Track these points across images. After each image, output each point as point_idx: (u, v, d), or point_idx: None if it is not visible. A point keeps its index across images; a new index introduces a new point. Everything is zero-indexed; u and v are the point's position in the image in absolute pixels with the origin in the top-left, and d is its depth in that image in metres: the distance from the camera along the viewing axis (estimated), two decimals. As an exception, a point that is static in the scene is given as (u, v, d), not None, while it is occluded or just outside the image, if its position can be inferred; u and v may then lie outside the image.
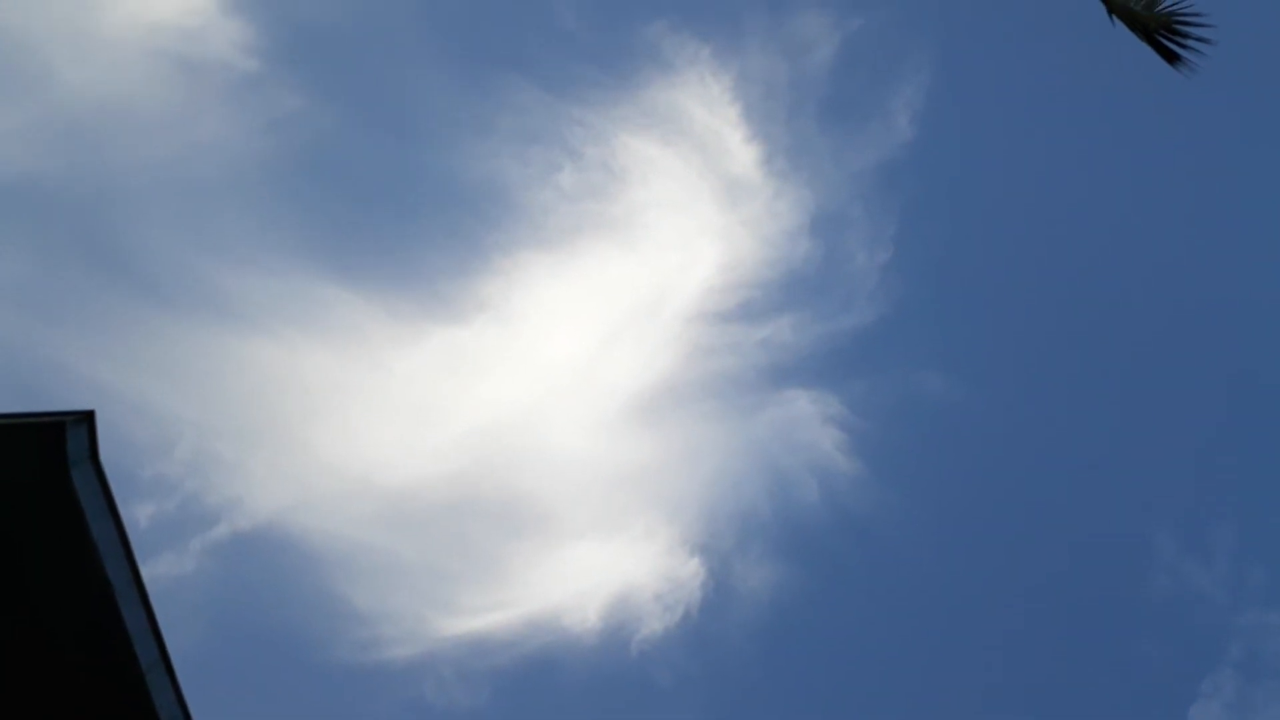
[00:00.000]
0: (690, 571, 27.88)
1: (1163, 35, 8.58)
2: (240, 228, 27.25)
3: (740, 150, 28.37)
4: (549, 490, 29.27)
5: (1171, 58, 8.66)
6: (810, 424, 29.11)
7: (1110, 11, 8.61)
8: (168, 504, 25.48)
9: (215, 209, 27.11)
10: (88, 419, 6.46)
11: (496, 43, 29.75)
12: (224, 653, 24.95)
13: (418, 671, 26.49)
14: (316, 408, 28.03)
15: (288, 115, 27.14)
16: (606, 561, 28.53)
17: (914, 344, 30.20)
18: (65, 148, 25.68)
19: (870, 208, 28.96)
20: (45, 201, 25.53)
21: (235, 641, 25.92)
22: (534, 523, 28.94)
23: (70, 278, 25.78)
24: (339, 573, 26.71)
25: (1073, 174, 29.97)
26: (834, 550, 29.23)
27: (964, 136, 30.29)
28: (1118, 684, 27.56)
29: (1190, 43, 8.57)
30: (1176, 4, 8.50)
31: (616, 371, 29.16)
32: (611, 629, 27.34)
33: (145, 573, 6.85)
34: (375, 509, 27.54)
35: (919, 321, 30.32)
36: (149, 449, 25.21)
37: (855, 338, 29.14)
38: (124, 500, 6.73)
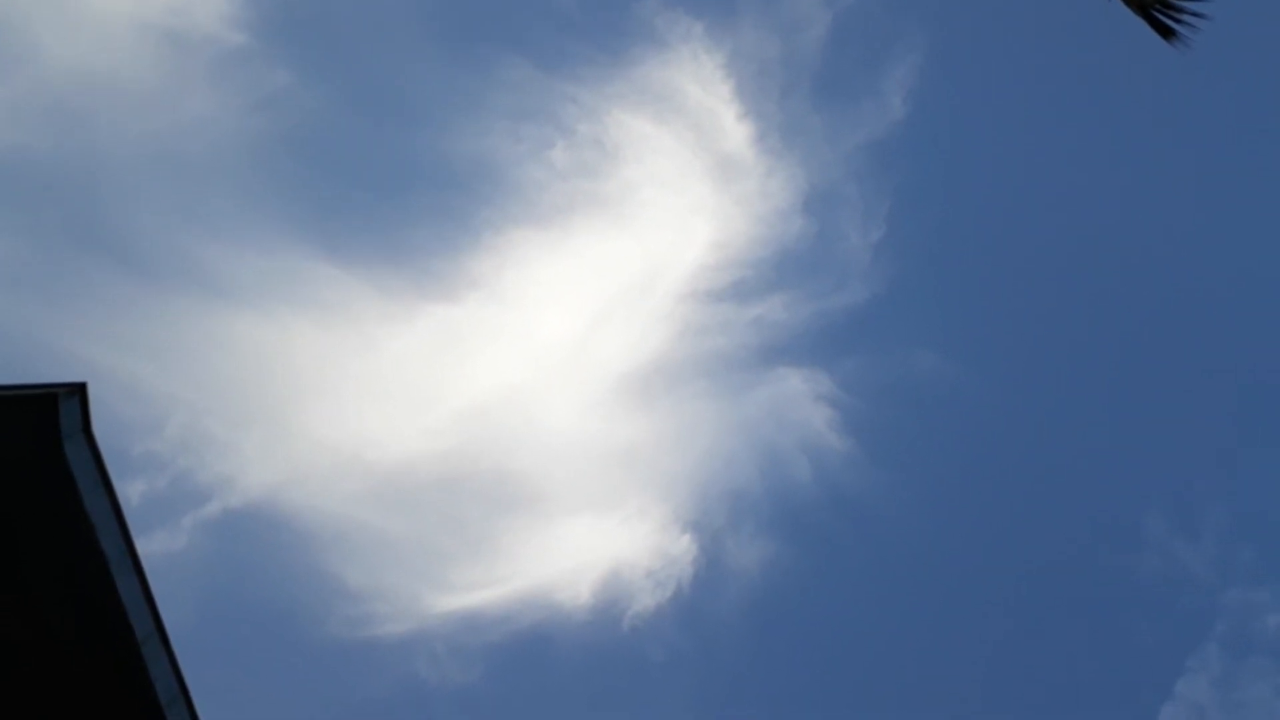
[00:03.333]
0: (682, 548, 28.03)
1: (1158, 10, 8.56)
2: (229, 205, 27.11)
3: (733, 128, 28.31)
4: (541, 468, 29.35)
5: (1167, 33, 8.64)
6: (802, 402, 29.22)
7: (1106, -14, 8.57)
8: (159, 482, 25.47)
9: (204, 186, 26.94)
10: (80, 391, 6.44)
11: (489, 18, 29.56)
12: (217, 630, 25.01)
13: (411, 648, 26.61)
14: (308, 385, 27.99)
15: (277, 91, 26.95)
16: (599, 539, 28.66)
17: (906, 322, 30.29)
18: (51, 123, 25.47)
19: (863, 186, 28.95)
20: (31, 178, 25.34)
21: (228, 619, 25.98)
22: (526, 500, 29.03)
23: (57, 255, 25.63)
24: (331, 550, 26.77)
25: (1067, 152, 29.99)
26: (825, 528, 29.40)
27: (957, 115, 30.27)
28: (1106, 659, 27.85)
29: (1185, 18, 8.55)
30: (1172, -21, 8.47)
31: (609, 350, 29.18)
32: (604, 605, 27.49)
33: (137, 549, 6.85)
34: (367, 486, 27.58)
35: (912, 300, 30.38)
36: (139, 427, 25.17)
37: (847, 316, 29.21)
38: (115, 478, 6.71)
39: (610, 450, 29.45)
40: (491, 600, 26.99)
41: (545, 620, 27.32)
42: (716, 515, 28.73)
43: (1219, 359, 28.93)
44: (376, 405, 28.48)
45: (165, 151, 26.70)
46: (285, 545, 26.54)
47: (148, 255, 26.41)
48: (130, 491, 23.91)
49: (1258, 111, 27.16)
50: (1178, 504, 28.63)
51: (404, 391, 28.73)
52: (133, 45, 25.42)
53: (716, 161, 28.74)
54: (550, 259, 28.75)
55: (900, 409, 30.09)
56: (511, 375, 29.38)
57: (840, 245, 29.14)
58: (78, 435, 6.34)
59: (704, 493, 29.05)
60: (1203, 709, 26.34)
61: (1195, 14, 8.52)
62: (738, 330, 29.04)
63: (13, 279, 24.38)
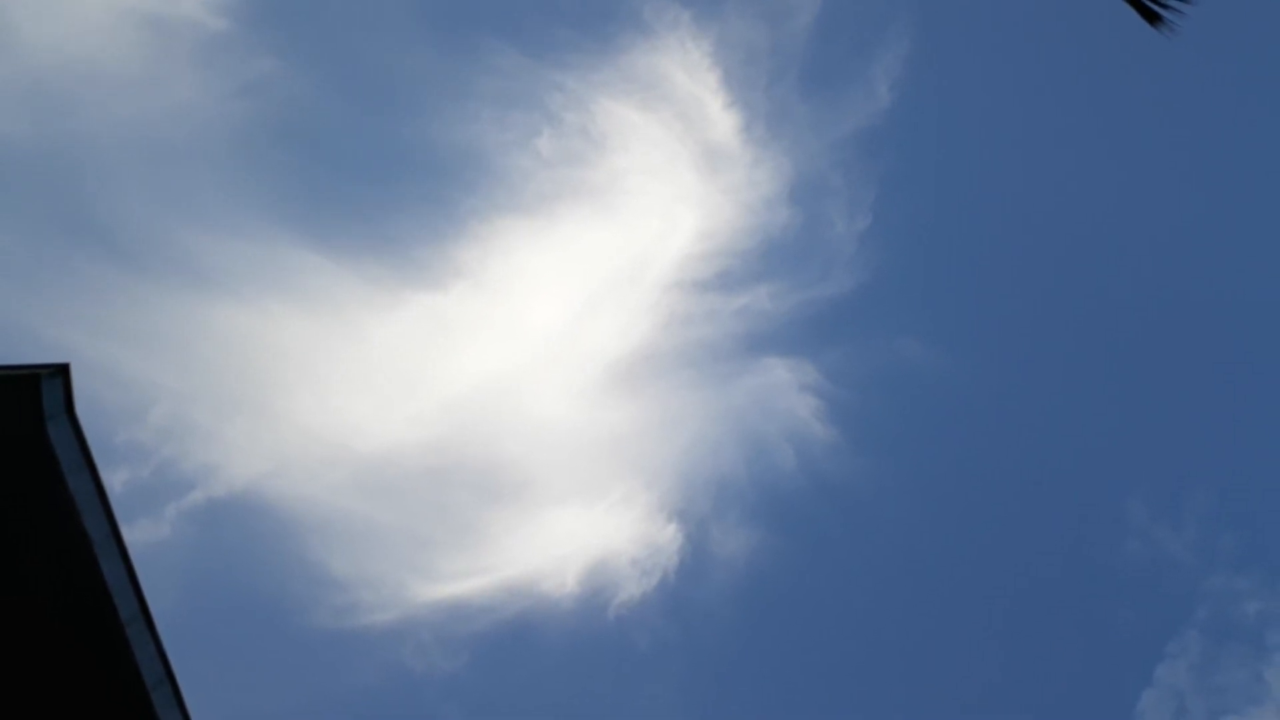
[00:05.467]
0: (668, 537, 28.10)
1: (1144, -4, 8.57)
2: (213, 192, 26.90)
3: (720, 117, 28.28)
4: (527, 457, 29.32)
5: (1152, 18, 8.65)
6: (787, 391, 29.29)
7: (1092, -29, 8.58)
8: (142, 470, 25.32)
9: (187, 173, 26.73)
10: (63, 372, 6.39)
11: (475, 4, 29.38)
12: (202, 619, 24.91)
13: (397, 637, 26.59)
14: (292, 373, 27.86)
15: (260, 77, 26.74)
16: (585, 527, 28.68)
17: (892, 311, 30.37)
18: (31, 110, 25.20)
19: (850, 175, 28.98)
20: (12, 164, 25.07)
21: (213, 608, 25.88)
22: (512, 489, 29.01)
23: (38, 242, 25.39)
24: (316, 539, 26.70)
25: (1053, 139, 30.09)
26: (810, 516, 29.51)
27: (944, 103, 30.31)
28: (1086, 645, 28.09)
29: (1172, 4, 8.56)
30: (1158, -37, 8.48)
31: (595, 339, 29.16)
32: (590, 594, 27.54)
33: (121, 531, 6.79)
34: (352, 475, 27.50)
35: (897, 289, 30.48)
36: (122, 415, 25.00)
37: (833, 305, 29.28)
38: (98, 465, 6.65)
39: (596, 439, 29.48)
40: (478, 589, 27.00)
41: (532, 609, 27.37)
42: (702, 504, 28.82)
43: (1202, 345, 29.17)
44: (362, 394, 28.40)
45: (148, 138, 26.49)
46: (270, 534, 26.46)
47: (130, 242, 26.21)
48: (113, 480, 23.75)
49: (1245, 98, 27.32)
50: (1160, 491, 28.89)
51: (389, 380, 28.66)
52: (114, 31, 25.17)
53: (703, 150, 28.72)
54: (536, 248, 28.71)
55: (885, 398, 30.21)
56: (497, 364, 29.35)
57: (826, 234, 29.20)
58: (60, 416, 6.28)
59: (690, 481, 29.13)
60: (1182, 694, 26.62)
61: (1182, 0, 8.53)
62: (724, 319, 29.08)
63: (-7, 266, 24.16)
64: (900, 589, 29.19)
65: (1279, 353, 28.32)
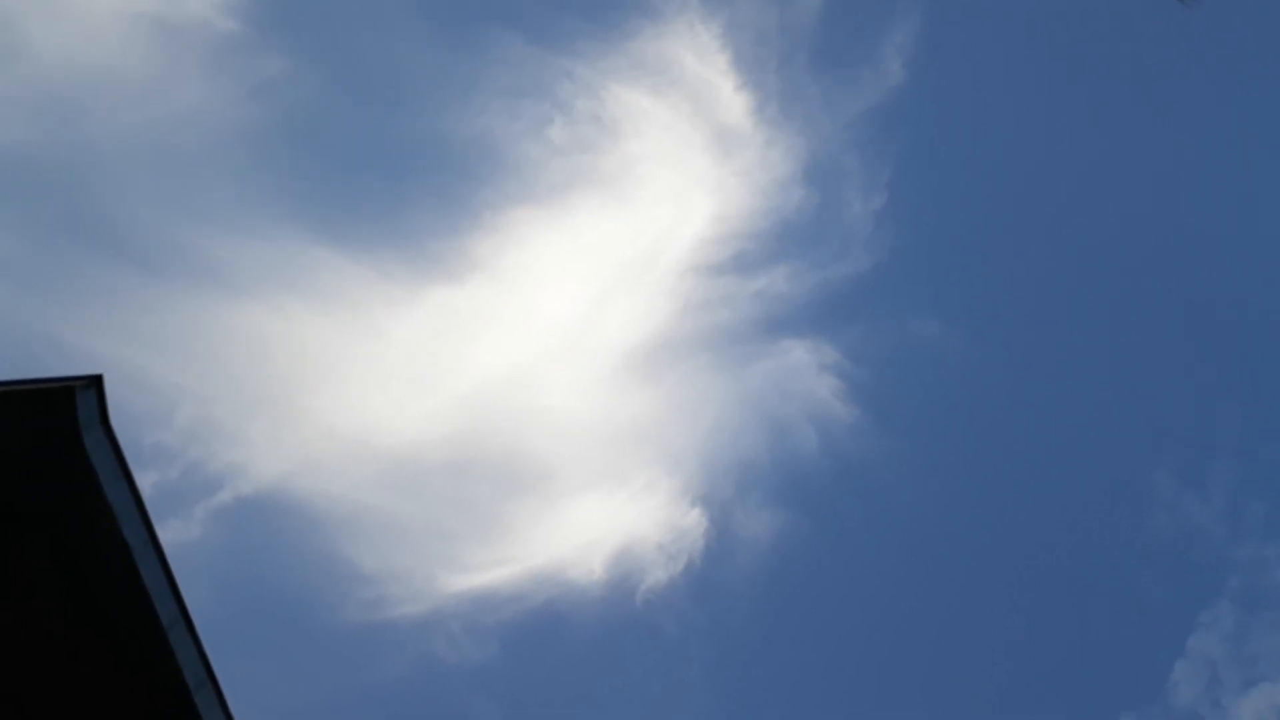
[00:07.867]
0: (692, 521, 28.18)
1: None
2: (227, 194, 27.05)
3: (731, 99, 28.16)
4: (549, 447, 29.44)
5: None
6: (807, 373, 29.27)
7: (1108, -58, 8.48)
8: (170, 472, 25.59)
9: (202, 175, 26.87)
10: (96, 383, 6.46)
11: (481, -4, 29.30)
12: (234, 617, 25.21)
13: (427, 628, 26.84)
14: (313, 371, 28.04)
15: (271, 77, 26.82)
16: (609, 515, 28.80)
17: (909, 290, 30.26)
18: (43, 118, 25.37)
19: (864, 154, 28.83)
20: (26, 173, 25.26)
21: (244, 606, 26.20)
22: (535, 480, 29.14)
23: (57, 250, 25.60)
24: (343, 534, 26.95)
25: (1071, 113, 29.80)
26: (833, 496, 29.52)
27: (957, 80, 30.07)
28: (1118, 618, 28.00)
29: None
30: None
31: (612, 327, 29.19)
32: (616, 580, 27.69)
33: (159, 536, 6.88)
34: (376, 471, 27.70)
35: (914, 267, 30.35)
36: (148, 418, 25.25)
37: (850, 285, 29.19)
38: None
39: (617, 427, 29.55)
40: (505, 579, 27.19)
41: (559, 597, 27.54)
42: (725, 487, 28.88)
43: (1224, 316, 28.90)
44: (382, 389, 28.56)
45: (161, 142, 26.63)
46: (298, 531, 26.72)
47: (147, 247, 26.40)
48: (143, 482, 23.94)
49: (1267, 72, 26.95)
50: (1187, 461, 28.70)
51: (409, 375, 28.80)
52: (124, 35, 25.28)
53: (715, 133, 28.63)
54: (551, 237, 28.72)
55: (905, 377, 30.14)
56: (516, 355, 29.44)
57: (842, 214, 29.09)
58: (96, 426, 6.36)
59: (712, 465, 29.18)
60: (1215, 664, 26.52)
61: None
62: (741, 303, 29.05)
63: (13, 274, 24.39)
64: (928, 567, 29.19)
65: (1303, 318, 28.05)
